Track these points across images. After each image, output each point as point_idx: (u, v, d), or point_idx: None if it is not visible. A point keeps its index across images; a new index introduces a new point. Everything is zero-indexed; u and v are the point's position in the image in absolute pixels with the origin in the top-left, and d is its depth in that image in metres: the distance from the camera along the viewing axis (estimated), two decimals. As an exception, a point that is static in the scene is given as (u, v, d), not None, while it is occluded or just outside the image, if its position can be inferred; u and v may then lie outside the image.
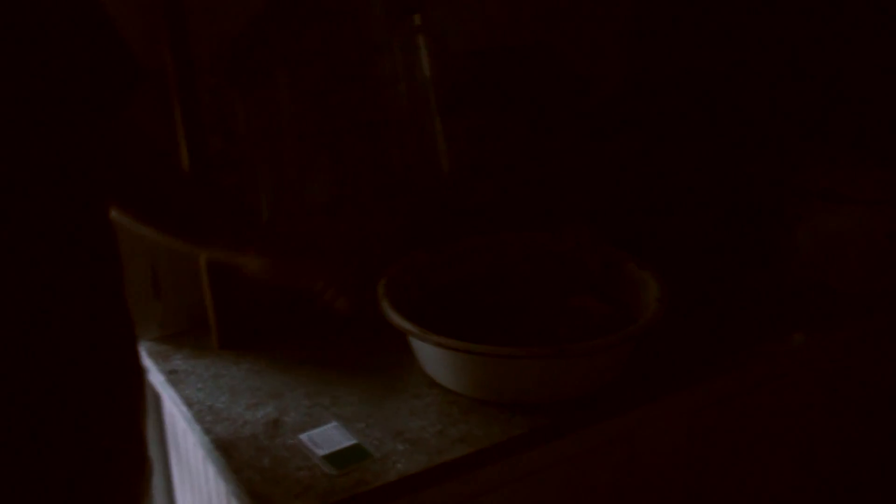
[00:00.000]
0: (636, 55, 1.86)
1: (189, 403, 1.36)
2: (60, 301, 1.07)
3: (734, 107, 1.87)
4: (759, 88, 1.86)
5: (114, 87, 1.20)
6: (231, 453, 1.25)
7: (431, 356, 1.34)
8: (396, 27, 1.66)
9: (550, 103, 1.78)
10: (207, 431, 1.29)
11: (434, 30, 1.68)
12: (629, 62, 1.86)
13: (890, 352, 1.63)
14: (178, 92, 1.37)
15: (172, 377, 1.42)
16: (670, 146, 1.83)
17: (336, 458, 1.23)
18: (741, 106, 1.86)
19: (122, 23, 1.18)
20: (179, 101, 1.37)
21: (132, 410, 1.19)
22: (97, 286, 1.13)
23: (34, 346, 1.05)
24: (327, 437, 1.27)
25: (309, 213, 1.61)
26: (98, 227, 1.14)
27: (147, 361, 1.47)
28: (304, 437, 1.27)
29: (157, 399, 1.52)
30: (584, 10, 1.80)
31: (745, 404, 1.50)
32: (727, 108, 1.87)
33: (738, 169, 1.79)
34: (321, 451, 1.24)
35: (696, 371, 1.42)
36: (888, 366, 1.65)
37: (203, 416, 1.33)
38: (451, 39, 1.70)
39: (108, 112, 1.19)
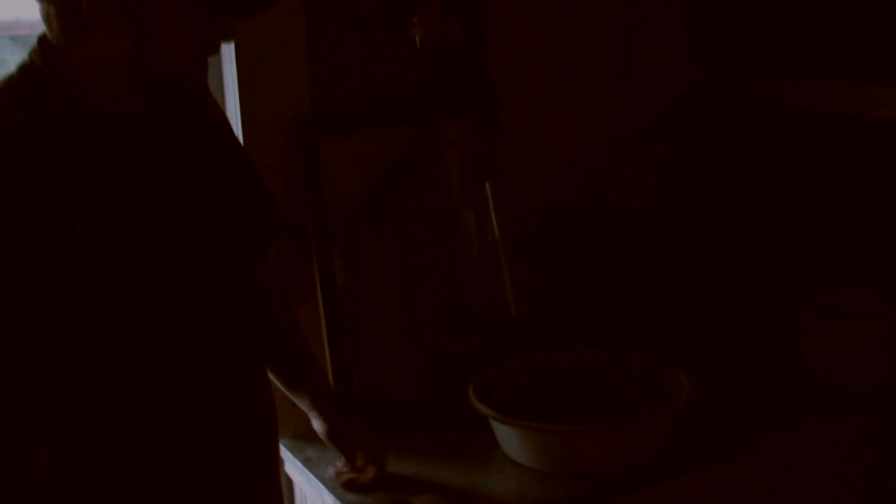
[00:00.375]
0: (670, 203, 2.23)
1: (323, 481, 1.72)
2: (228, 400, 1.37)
3: (756, 242, 2.24)
4: (776, 227, 2.23)
5: (260, 233, 1.52)
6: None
7: (510, 436, 1.70)
8: (472, 190, 2.00)
9: (600, 246, 2.15)
10: (340, 498, 1.66)
11: (505, 191, 2.02)
12: (664, 208, 2.22)
13: (889, 440, 1.94)
14: (315, 240, 1.80)
15: (308, 463, 1.79)
16: (700, 275, 2.19)
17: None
18: (761, 242, 2.23)
19: (273, 186, 1.57)
20: (315, 246, 1.80)
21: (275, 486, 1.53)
22: (256, 388, 1.46)
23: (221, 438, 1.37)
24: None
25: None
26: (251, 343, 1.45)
27: (284, 453, 1.84)
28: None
29: (290, 486, 1.89)
30: (626, 169, 2.15)
31: (764, 484, 1.79)
32: (750, 243, 2.24)
33: (758, 292, 2.15)
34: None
35: (722, 452, 1.75)
36: (889, 452, 1.94)
37: (335, 490, 1.69)
38: (519, 198, 2.05)
39: (251, 253, 1.49)
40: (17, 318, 1.20)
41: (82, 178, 1.23)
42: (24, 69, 1.25)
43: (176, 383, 1.32)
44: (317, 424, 1.66)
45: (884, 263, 2.03)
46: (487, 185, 2.02)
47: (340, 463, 1.69)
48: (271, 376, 1.60)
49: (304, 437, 1.88)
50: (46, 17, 1.22)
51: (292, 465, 1.83)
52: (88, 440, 1.28)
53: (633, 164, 2.18)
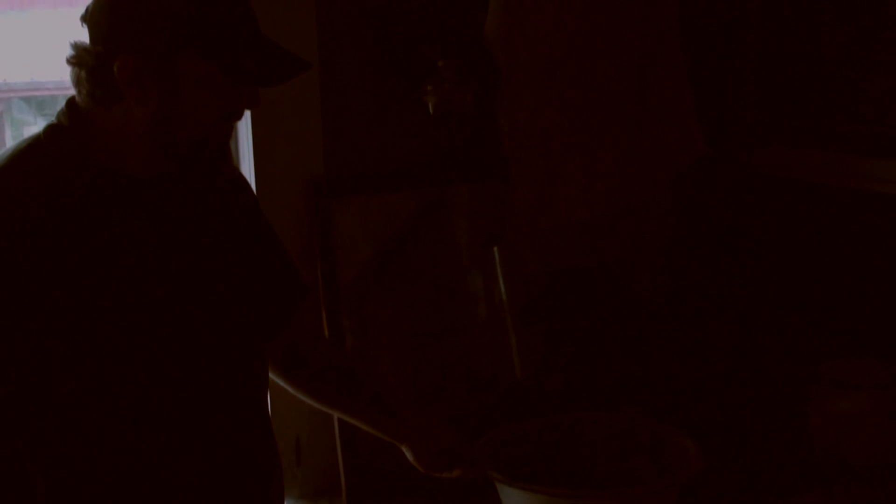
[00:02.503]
0: (677, 271, 2.24)
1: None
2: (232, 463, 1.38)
3: (763, 312, 2.24)
4: (784, 298, 2.23)
5: (285, 301, 1.52)
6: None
7: (516, 500, 1.69)
8: (480, 255, 2.04)
9: (607, 312, 2.17)
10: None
11: (513, 256, 2.06)
12: (672, 276, 2.24)
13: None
14: (326, 300, 1.81)
15: (312, 523, 1.80)
16: (708, 343, 2.19)
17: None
18: (769, 312, 2.24)
19: (285, 247, 1.58)
20: (326, 307, 1.82)
21: None
22: (262, 448, 1.45)
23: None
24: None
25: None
26: (259, 406, 1.47)
27: (290, 514, 1.85)
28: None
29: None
30: (634, 236, 2.17)
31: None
32: (757, 313, 2.24)
33: (766, 362, 2.14)
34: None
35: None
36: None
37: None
38: (527, 263, 2.07)
39: (277, 320, 1.50)
40: (25, 381, 1.21)
41: (104, 240, 1.25)
42: (50, 129, 1.28)
43: (182, 445, 1.32)
44: (409, 455, 1.63)
45: (892, 335, 2.03)
46: (496, 249, 2.05)
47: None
48: (353, 421, 1.60)
49: (308, 497, 1.89)
50: (77, 81, 1.25)
51: (296, 526, 1.83)
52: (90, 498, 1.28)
53: (641, 232, 2.20)
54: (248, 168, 1.85)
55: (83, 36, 1.25)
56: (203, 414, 1.34)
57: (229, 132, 1.31)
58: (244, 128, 1.86)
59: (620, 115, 2.12)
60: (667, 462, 1.79)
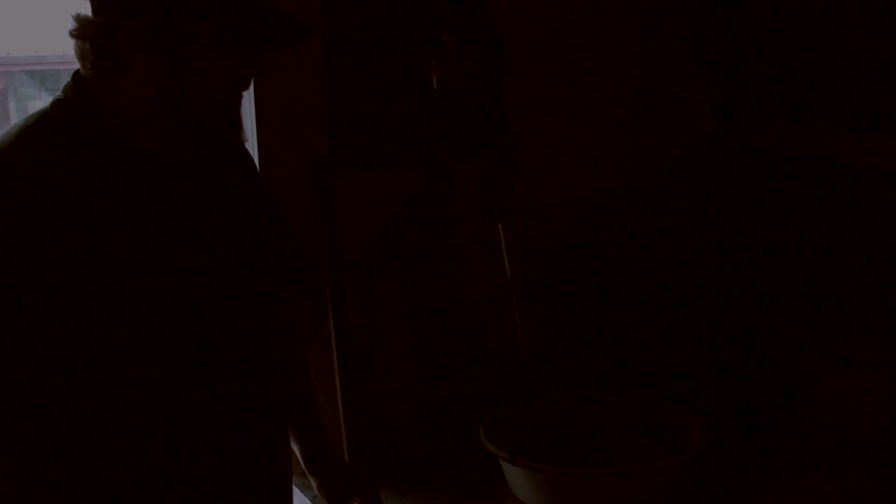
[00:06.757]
0: (684, 247, 2.23)
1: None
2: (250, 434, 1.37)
3: (772, 289, 2.23)
4: (793, 274, 2.22)
5: (284, 271, 1.50)
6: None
7: (520, 478, 1.69)
8: (485, 231, 2.03)
9: (613, 289, 2.16)
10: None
11: (518, 232, 2.03)
12: (678, 253, 2.23)
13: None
14: (330, 277, 1.81)
15: (316, 501, 1.79)
16: (715, 320, 2.18)
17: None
18: (778, 288, 2.23)
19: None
20: (330, 283, 1.81)
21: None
22: (277, 425, 1.45)
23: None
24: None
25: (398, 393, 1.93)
26: (271, 383, 1.44)
27: (295, 489, 1.84)
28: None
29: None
30: (640, 212, 2.17)
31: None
32: (766, 289, 2.23)
33: (774, 339, 2.14)
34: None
35: (734, 499, 1.74)
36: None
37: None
38: (532, 240, 2.06)
39: (273, 292, 1.47)
40: (36, 358, 1.19)
41: (112, 216, 1.23)
42: (57, 104, 1.26)
43: (196, 419, 1.31)
44: (310, 478, 1.63)
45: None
46: (501, 226, 2.04)
47: None
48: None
49: (312, 475, 1.88)
50: (81, 54, 1.23)
51: (300, 503, 1.82)
52: (102, 478, 1.27)
53: (648, 208, 2.19)
54: (251, 145, 1.84)
55: (86, 8, 1.23)
56: (221, 393, 1.33)
57: (239, 101, 1.29)
58: (247, 106, 1.84)
59: (627, 90, 2.10)
60: (673, 440, 1.80)
